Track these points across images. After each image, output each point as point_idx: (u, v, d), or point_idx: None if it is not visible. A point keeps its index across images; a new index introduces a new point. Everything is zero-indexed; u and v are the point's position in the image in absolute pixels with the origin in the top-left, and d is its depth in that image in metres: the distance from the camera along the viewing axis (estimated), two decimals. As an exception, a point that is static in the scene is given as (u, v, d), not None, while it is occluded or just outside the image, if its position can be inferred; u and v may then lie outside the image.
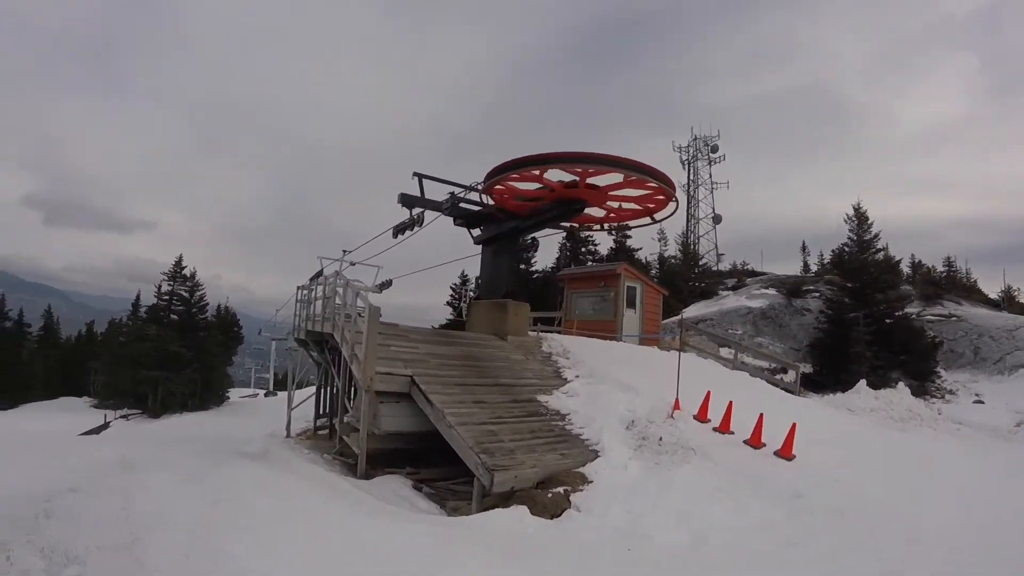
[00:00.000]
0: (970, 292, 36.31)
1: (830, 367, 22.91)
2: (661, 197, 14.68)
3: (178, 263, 34.51)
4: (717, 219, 51.49)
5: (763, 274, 41.11)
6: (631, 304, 20.71)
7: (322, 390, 16.64)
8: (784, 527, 7.34)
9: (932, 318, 28.81)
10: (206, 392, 32.82)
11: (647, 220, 16.34)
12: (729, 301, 32.90)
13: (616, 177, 13.59)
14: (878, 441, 12.26)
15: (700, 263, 41.21)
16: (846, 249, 28.27)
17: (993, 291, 38.65)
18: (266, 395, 44.24)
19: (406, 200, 15.54)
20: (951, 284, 36.58)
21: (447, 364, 11.83)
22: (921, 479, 9.66)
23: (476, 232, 16.57)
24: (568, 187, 13.96)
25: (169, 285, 34.27)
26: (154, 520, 5.77)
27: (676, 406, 10.76)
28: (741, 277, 40.56)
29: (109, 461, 8.59)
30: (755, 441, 10.13)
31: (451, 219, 16.42)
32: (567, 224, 17.45)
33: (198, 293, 34.97)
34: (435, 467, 10.57)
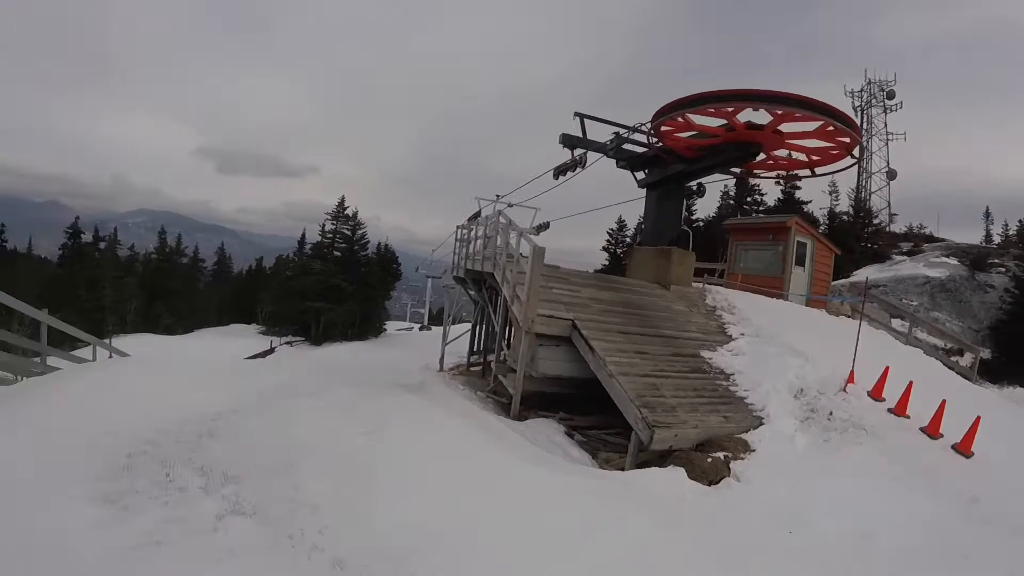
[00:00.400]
0: None
1: (1013, 355, 20.65)
2: (837, 151, 13.50)
3: (341, 204, 36.42)
4: (892, 174, 44.58)
5: (941, 240, 36.87)
6: (800, 261, 19.29)
7: (477, 328, 16.80)
8: (959, 536, 6.32)
9: None
10: (365, 324, 34.59)
11: (808, 172, 15.09)
12: (904, 267, 29.58)
13: (807, 125, 12.43)
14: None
15: (873, 222, 37.31)
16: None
17: None
18: (420, 329, 45.76)
19: (568, 140, 15.17)
20: None
21: (608, 310, 11.52)
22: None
23: (640, 176, 15.97)
24: (750, 128, 12.97)
25: (332, 224, 36.34)
26: (310, 447, 5.80)
27: (851, 379, 9.87)
28: (917, 242, 35.59)
29: (273, 386, 8.92)
30: (933, 430, 8.94)
31: (613, 161, 15.89)
32: (737, 170, 16.41)
33: (359, 231, 36.83)
34: (588, 415, 10.31)
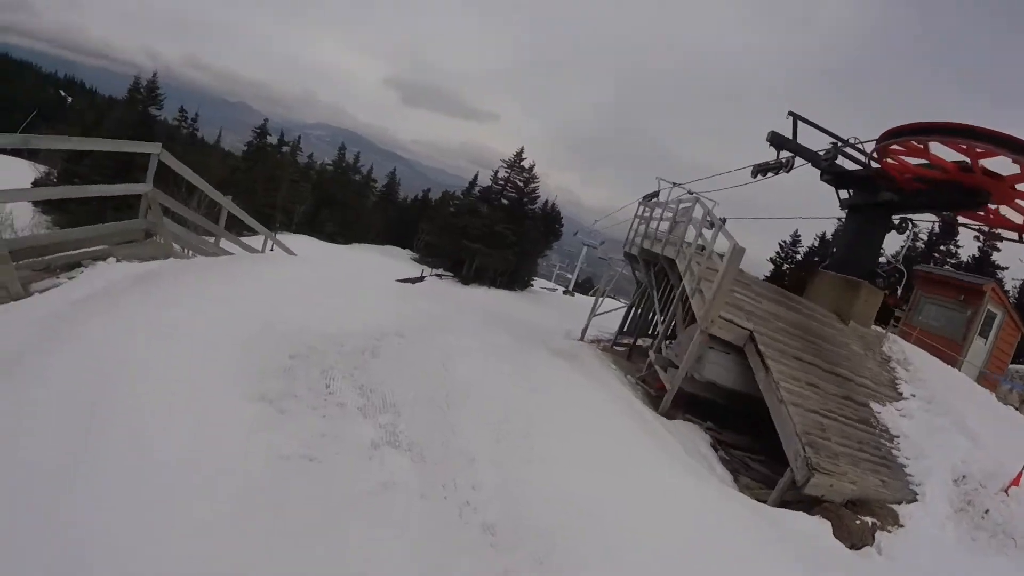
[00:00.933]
0: None
1: None
2: None
3: (519, 154, 36.43)
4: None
5: None
6: (984, 332, 17.48)
7: (634, 308, 16.40)
8: None
9: None
10: (515, 274, 34.86)
11: (1017, 236, 13.34)
12: None
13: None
14: None
15: None
16: None
17: None
18: (564, 293, 45.72)
19: (776, 139, 14.11)
20: None
21: (786, 331, 10.69)
22: None
23: (844, 195, 14.76)
24: (963, 170, 11.59)
25: (507, 172, 36.46)
26: (470, 388, 5.61)
27: (1017, 480, 8.74)
28: None
29: (433, 316, 8.87)
30: None
31: (815, 172, 14.79)
32: (961, 217, 14.75)
33: (532, 184, 36.72)
34: (735, 431, 9.76)
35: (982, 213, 13.23)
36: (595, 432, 5.88)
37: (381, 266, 31.45)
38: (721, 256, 9.70)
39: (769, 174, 14.89)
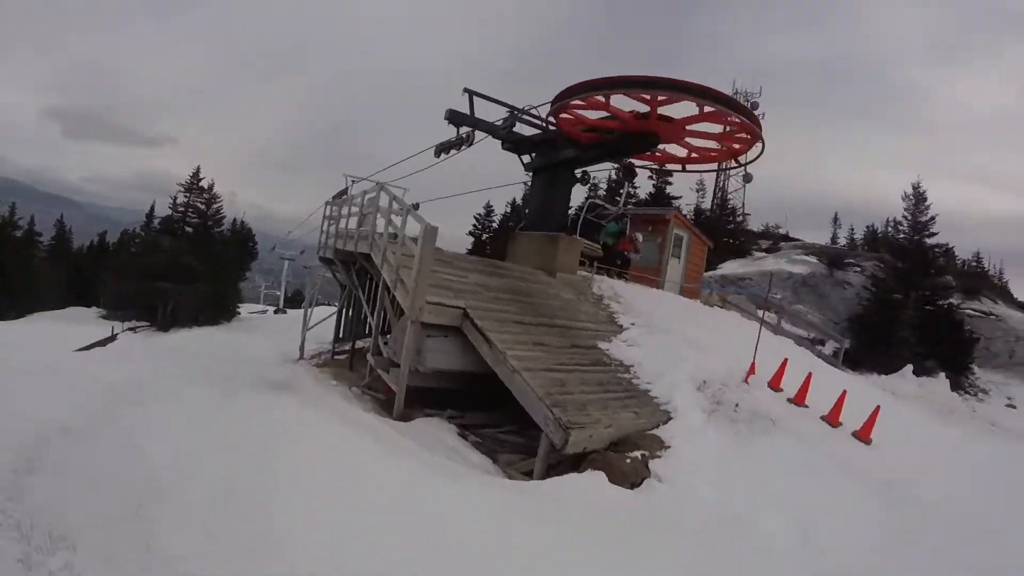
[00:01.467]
0: (1002, 293, 34.69)
1: (870, 345, 22.33)
2: (744, 135, 13.32)
3: (195, 175, 33.36)
4: (748, 177, 46.20)
5: (795, 239, 39.84)
6: (676, 253, 19.61)
7: (344, 313, 15.64)
8: (887, 521, 6.46)
9: (972, 313, 27.32)
10: (217, 307, 31.83)
11: (731, 164, 15.22)
12: (767, 263, 31.42)
13: (692, 108, 12.25)
14: (939, 433, 11.43)
15: (736, 219, 39.43)
16: (900, 227, 27.48)
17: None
18: (275, 312, 44.12)
19: (454, 117, 14.33)
20: (982, 282, 34.82)
21: (499, 298, 10.60)
22: (988, 479, 8.63)
23: (527, 159, 15.30)
24: (639, 118, 12.67)
25: (185, 197, 33.18)
26: (168, 477, 4.53)
27: (751, 370, 9.59)
28: (775, 240, 39.24)
29: (115, 388, 7.41)
30: (832, 419, 9.03)
31: (491, 144, 15.21)
32: (633, 160, 15.96)
33: (215, 206, 33.92)
34: (476, 411, 9.45)
35: (655, 153, 14.85)
36: (334, 478, 5.02)
37: (58, 336, 27.06)
38: (415, 240, 9.29)
39: (452, 151, 15.16)
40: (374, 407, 9.62)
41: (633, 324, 11.77)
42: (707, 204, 41.10)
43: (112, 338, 27.58)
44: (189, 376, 9.56)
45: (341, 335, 15.60)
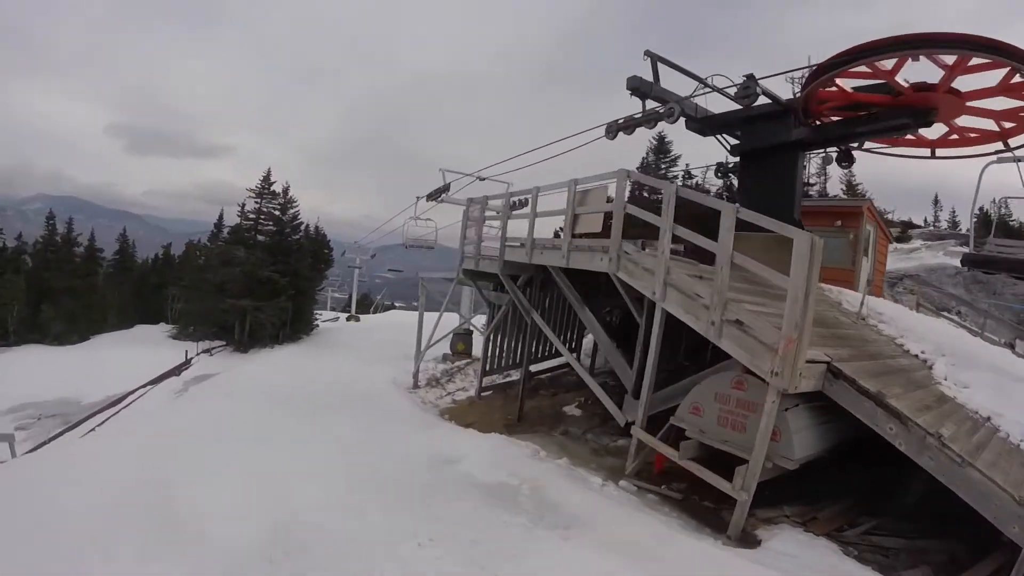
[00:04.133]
0: None
1: None
2: None
3: (266, 179, 29.97)
4: (846, 157, 40.84)
5: (918, 226, 35.45)
6: (866, 250, 16.19)
7: (499, 338, 12.59)
8: None
9: None
10: (297, 321, 29.07)
11: (989, 149, 11.69)
12: (926, 257, 27.24)
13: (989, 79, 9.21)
14: None
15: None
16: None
17: None
18: (348, 319, 41.68)
19: (641, 86, 11.12)
20: None
21: (828, 336, 7.23)
22: None
23: (734, 141, 12.08)
24: (919, 90, 9.55)
25: (256, 203, 29.97)
26: None
27: None
28: (902, 228, 34.29)
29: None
30: None
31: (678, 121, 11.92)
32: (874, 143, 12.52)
33: (291, 211, 30.67)
34: (815, 503, 6.16)
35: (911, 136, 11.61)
36: None
37: (129, 364, 24.56)
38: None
39: (632, 130, 12.17)
40: (677, 518, 6.26)
41: (924, 352, 8.39)
42: (832, 190, 35.99)
43: (187, 364, 25.01)
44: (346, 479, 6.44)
45: (493, 366, 12.53)
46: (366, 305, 56.43)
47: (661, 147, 28.52)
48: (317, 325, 32.87)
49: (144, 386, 21.59)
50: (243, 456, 7.28)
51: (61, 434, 17.74)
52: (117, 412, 18.85)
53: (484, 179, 14.51)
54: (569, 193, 9.13)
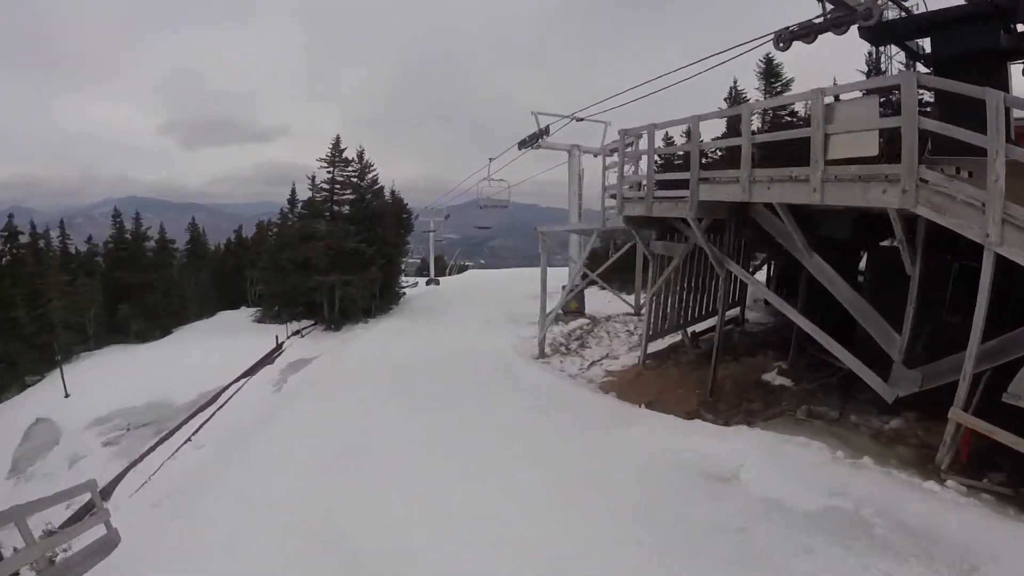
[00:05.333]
0: None
1: None
2: None
3: (335, 145, 28.42)
4: None
5: None
6: None
7: (668, 295, 10.79)
8: None
9: None
10: (385, 292, 27.76)
11: None
12: None
13: None
14: None
15: None
16: None
17: None
18: (428, 283, 41.73)
19: None
20: None
21: None
22: None
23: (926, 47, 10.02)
24: None
25: (328, 172, 28.38)
26: None
27: None
28: None
29: None
30: None
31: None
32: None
33: (370, 175, 29.00)
34: None
35: None
36: None
37: (217, 354, 23.34)
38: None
39: (803, 39, 9.96)
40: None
41: None
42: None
43: (279, 349, 23.88)
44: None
45: (661, 327, 10.75)
46: (439, 268, 55.45)
47: (770, 69, 25.06)
48: (404, 293, 31.84)
49: (239, 379, 20.33)
50: (456, 496, 5.75)
51: (155, 447, 15.99)
52: (213, 415, 17.35)
53: (582, 119, 13.58)
54: (814, 108, 7.06)
